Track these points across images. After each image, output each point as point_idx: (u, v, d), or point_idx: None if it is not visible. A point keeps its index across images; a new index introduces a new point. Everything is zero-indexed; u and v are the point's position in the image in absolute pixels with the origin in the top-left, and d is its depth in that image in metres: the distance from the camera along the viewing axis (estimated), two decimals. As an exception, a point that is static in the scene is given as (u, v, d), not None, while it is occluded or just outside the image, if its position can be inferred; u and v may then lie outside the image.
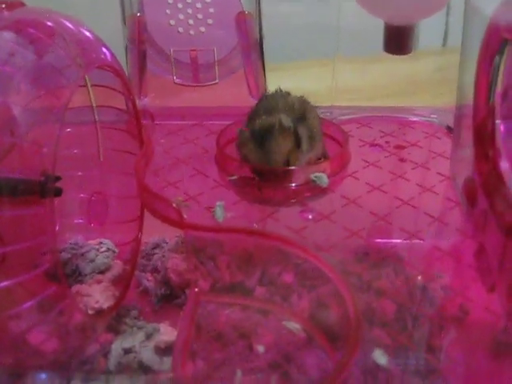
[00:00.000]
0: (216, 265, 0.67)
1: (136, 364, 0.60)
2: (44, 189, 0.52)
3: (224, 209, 0.73)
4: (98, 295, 0.67)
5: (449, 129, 0.94)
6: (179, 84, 0.99)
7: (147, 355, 0.60)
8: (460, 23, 0.76)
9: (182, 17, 0.95)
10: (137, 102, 0.74)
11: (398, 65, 0.97)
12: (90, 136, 0.75)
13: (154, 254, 0.73)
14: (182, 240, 0.73)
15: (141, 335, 0.63)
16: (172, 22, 0.95)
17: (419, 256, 0.71)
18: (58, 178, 0.59)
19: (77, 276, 0.71)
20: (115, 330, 0.64)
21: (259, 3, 0.95)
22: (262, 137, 0.74)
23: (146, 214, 0.71)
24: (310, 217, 0.76)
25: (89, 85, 0.72)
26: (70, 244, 0.75)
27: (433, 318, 0.61)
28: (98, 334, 0.62)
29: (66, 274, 0.68)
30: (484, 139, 0.63)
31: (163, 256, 0.72)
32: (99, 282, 0.70)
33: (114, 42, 0.70)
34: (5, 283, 0.49)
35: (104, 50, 0.65)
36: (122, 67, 0.69)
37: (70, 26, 0.62)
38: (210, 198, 0.78)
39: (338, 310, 0.60)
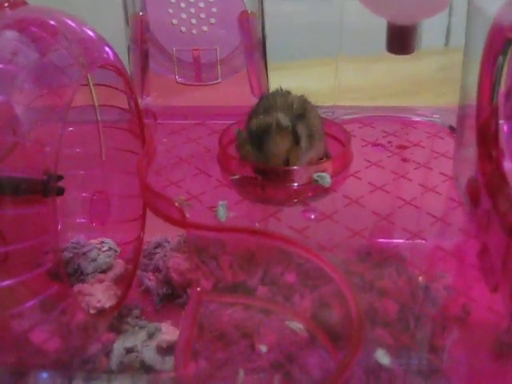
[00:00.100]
0: (218, 264, 0.67)
1: (138, 363, 0.60)
2: (46, 188, 0.52)
3: (226, 208, 0.73)
4: (99, 294, 0.67)
5: (451, 129, 0.94)
6: (181, 83, 0.99)
7: (149, 355, 0.60)
8: (462, 23, 0.76)
9: (184, 16, 0.94)
10: (139, 101, 0.74)
11: (401, 64, 0.97)
12: (92, 135, 0.75)
13: (156, 253, 0.74)
14: (184, 239, 0.73)
15: (143, 335, 0.63)
16: (174, 21, 0.95)
17: (422, 256, 0.71)
18: (60, 177, 0.59)
19: (79, 275, 0.71)
20: (117, 329, 0.64)
21: (262, 2, 0.95)
22: (259, 137, 0.74)
23: (148, 213, 0.71)
24: (313, 216, 0.76)
25: (91, 84, 0.72)
26: (71, 243, 0.75)
27: (435, 318, 0.61)
28: (99, 334, 0.62)
29: (67, 274, 0.68)
30: (487, 139, 0.63)
31: (165, 255, 0.72)
32: (101, 281, 0.70)
33: (117, 42, 0.70)
34: (7, 282, 0.49)
35: (107, 49, 0.65)
36: (124, 66, 0.69)
37: (72, 24, 0.62)
38: (213, 197, 0.78)
39: (341, 310, 0.60)
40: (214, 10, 0.94)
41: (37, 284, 0.53)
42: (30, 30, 0.57)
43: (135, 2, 0.95)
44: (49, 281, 0.54)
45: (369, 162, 0.87)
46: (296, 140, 0.75)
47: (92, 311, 0.65)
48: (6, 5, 0.64)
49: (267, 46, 0.98)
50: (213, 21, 0.95)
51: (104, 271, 0.72)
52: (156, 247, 0.74)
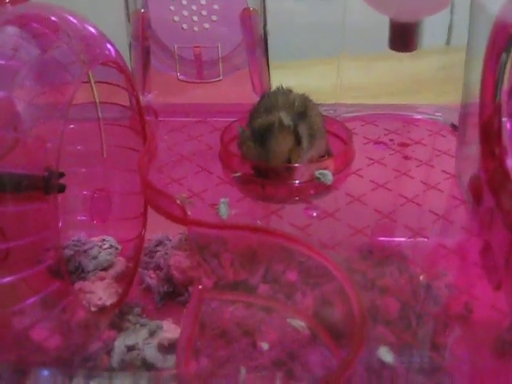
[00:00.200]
0: (219, 262, 0.67)
1: (139, 361, 0.60)
2: (48, 185, 0.52)
3: (228, 206, 0.73)
4: (100, 292, 0.67)
5: (453, 127, 0.94)
6: (183, 81, 0.98)
7: (150, 352, 0.60)
8: (464, 21, 0.76)
9: (186, 13, 0.94)
10: (140, 98, 0.73)
11: (402, 63, 0.97)
12: (93, 133, 0.75)
13: (157, 251, 0.74)
14: (185, 237, 0.73)
15: (144, 332, 0.63)
16: (176, 19, 0.95)
17: (424, 254, 0.70)
18: (61, 175, 0.59)
19: (80, 273, 0.71)
20: (118, 327, 0.64)
21: (264, 0, 0.95)
22: (262, 136, 0.74)
23: (149, 210, 0.71)
24: (315, 214, 0.76)
25: (92, 81, 0.71)
26: (72, 241, 0.75)
27: (437, 316, 0.61)
28: (100, 332, 0.62)
29: (68, 271, 0.68)
30: (490, 137, 0.63)
31: (166, 253, 0.72)
32: (102, 278, 0.70)
33: (118, 39, 0.70)
34: (8, 279, 0.49)
35: (108, 45, 0.65)
36: (125, 63, 0.69)
37: (74, 21, 0.62)
38: (214, 194, 0.77)
39: (343, 308, 0.60)
40: (215, 7, 0.94)
41: (38, 281, 0.53)
42: (31, 26, 0.57)
43: (137, -1, 0.95)
44: (50, 278, 0.54)
45: (371, 159, 0.87)
46: (298, 140, 0.74)
47: (93, 309, 0.65)
48: (8, 0, 0.64)
49: (269, 43, 0.98)
50: (214, 18, 0.95)
51: (105, 269, 0.72)
52: (157, 245, 0.74)
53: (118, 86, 0.71)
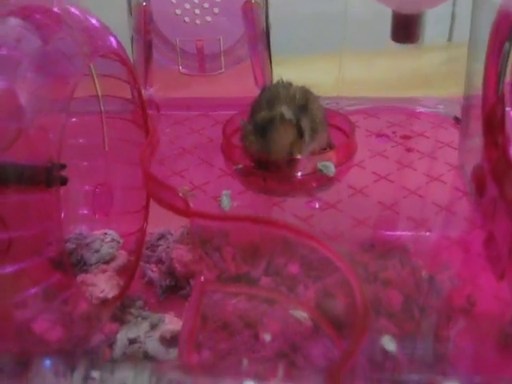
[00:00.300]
0: (221, 256, 0.67)
1: (141, 354, 0.60)
2: (50, 177, 0.52)
3: (230, 198, 0.73)
4: (103, 284, 0.67)
5: (456, 119, 0.94)
6: (185, 74, 0.98)
7: (152, 345, 0.60)
8: (466, 16, 0.76)
9: (188, 6, 0.94)
10: (142, 92, 0.73)
11: (405, 59, 0.97)
12: (95, 126, 0.75)
13: (159, 245, 0.74)
14: (187, 231, 0.73)
15: (146, 325, 0.63)
16: (178, 12, 0.94)
17: (426, 247, 0.70)
18: (63, 166, 0.59)
19: (82, 266, 0.71)
20: (120, 320, 0.64)
21: (266, -8, 0.95)
22: (263, 129, 0.74)
23: (151, 205, 0.71)
24: (317, 206, 0.76)
25: (94, 74, 0.71)
26: (74, 234, 0.75)
27: (440, 308, 0.61)
28: (102, 324, 0.62)
29: (71, 263, 0.68)
30: (493, 126, 0.63)
31: (168, 247, 0.72)
32: (104, 271, 0.70)
33: (120, 32, 0.69)
34: (10, 269, 0.49)
35: (110, 38, 0.65)
36: (128, 56, 0.69)
37: (76, 13, 0.62)
38: (216, 187, 0.77)
39: (345, 300, 0.59)
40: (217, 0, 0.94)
41: (40, 274, 0.53)
42: (34, 18, 0.57)
43: (139, -8, 0.95)
44: (52, 271, 0.54)
45: (373, 152, 0.86)
46: (300, 133, 0.74)
47: (95, 301, 0.65)
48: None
49: (271, 38, 0.98)
50: (216, 11, 0.94)
51: (107, 262, 0.72)
52: (159, 239, 0.74)
53: (119, 78, 0.71)
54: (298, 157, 0.75)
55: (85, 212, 0.78)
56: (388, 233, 0.72)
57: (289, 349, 0.57)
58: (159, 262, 0.71)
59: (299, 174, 0.76)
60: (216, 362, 0.56)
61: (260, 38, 0.96)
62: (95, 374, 0.44)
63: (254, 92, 0.85)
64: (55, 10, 0.59)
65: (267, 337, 0.58)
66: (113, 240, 0.75)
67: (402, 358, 0.55)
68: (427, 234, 0.71)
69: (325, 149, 0.81)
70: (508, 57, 0.61)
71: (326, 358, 0.56)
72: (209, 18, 0.95)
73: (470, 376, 0.55)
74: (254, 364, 0.56)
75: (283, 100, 0.77)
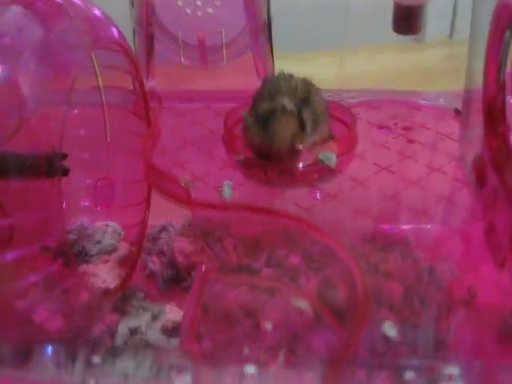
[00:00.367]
0: (223, 247, 0.67)
1: (143, 344, 0.60)
2: (51, 167, 0.52)
3: (232, 188, 0.73)
4: (104, 275, 0.67)
5: (456, 112, 0.94)
6: (187, 66, 0.98)
7: (154, 336, 0.60)
8: (467, 12, 0.76)
9: (190, -2, 0.94)
10: (144, 83, 0.73)
11: (406, 54, 0.97)
12: (96, 117, 0.75)
13: (161, 237, 0.73)
14: (188, 223, 0.73)
15: (147, 316, 0.63)
16: (180, 3, 0.95)
17: (427, 239, 0.70)
18: (65, 156, 0.59)
19: (83, 257, 0.71)
20: (121, 311, 0.64)
21: (268, -16, 0.94)
22: (266, 120, 0.74)
23: (153, 198, 0.71)
24: (318, 196, 0.76)
25: (96, 65, 0.71)
26: (76, 226, 0.75)
27: (440, 300, 0.61)
28: (104, 314, 0.62)
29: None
30: (494, 115, 0.63)
31: (169, 239, 0.72)
32: (105, 262, 0.70)
33: (122, 25, 0.69)
34: (11, 256, 0.49)
35: (113, 28, 0.65)
36: (130, 46, 0.69)
37: (78, 2, 0.62)
38: (217, 178, 0.77)
39: (346, 291, 0.60)
40: (219, -9, 0.94)
41: (41, 263, 0.53)
42: (36, 6, 0.56)
43: (141, -15, 0.95)
44: (53, 261, 0.54)
45: (374, 143, 0.86)
46: (301, 125, 0.74)
47: (97, 292, 0.65)
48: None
49: (272, 34, 0.98)
50: (218, 3, 0.94)
51: (108, 253, 0.72)
52: (161, 231, 0.74)
53: (121, 69, 0.71)
54: (300, 147, 0.75)
55: (86, 204, 0.78)
56: (389, 226, 0.72)
57: (290, 338, 0.57)
58: (161, 254, 0.71)
59: (300, 165, 0.76)
60: (217, 350, 0.56)
61: (262, 30, 0.96)
62: (96, 358, 0.44)
63: (256, 84, 0.85)
64: (58, -1, 0.59)
65: (268, 326, 0.58)
66: (114, 231, 0.75)
67: (402, 348, 0.55)
68: (428, 227, 0.71)
69: (326, 141, 0.81)
70: (509, 45, 0.61)
71: (327, 348, 0.56)
72: (210, 10, 0.95)
73: (470, 361, 0.55)
74: (255, 352, 0.56)
75: (285, 92, 0.77)
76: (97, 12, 0.64)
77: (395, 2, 0.85)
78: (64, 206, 0.55)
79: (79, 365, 0.50)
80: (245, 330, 0.59)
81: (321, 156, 0.76)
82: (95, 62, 0.71)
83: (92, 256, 0.71)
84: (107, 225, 0.76)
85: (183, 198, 0.61)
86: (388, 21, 0.88)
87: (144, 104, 0.73)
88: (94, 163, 0.76)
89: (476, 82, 0.70)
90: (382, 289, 0.61)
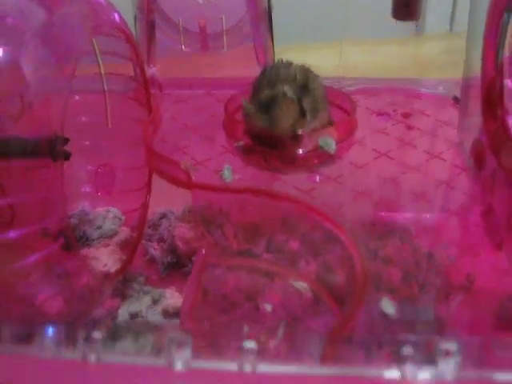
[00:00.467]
0: (223, 233, 0.67)
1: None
2: (53, 151, 0.52)
3: (232, 171, 0.73)
4: (105, 258, 0.67)
5: (455, 99, 0.94)
6: (187, 53, 0.99)
7: (154, 319, 0.61)
8: (467, 2, 0.76)
9: (190, -15, 0.95)
10: (145, 70, 0.74)
11: (405, 47, 0.97)
12: (97, 104, 0.75)
13: (161, 224, 0.74)
14: (189, 209, 0.73)
15: (147, 300, 0.64)
16: (181, -10, 0.95)
17: (426, 224, 0.70)
18: (66, 140, 0.59)
19: (84, 241, 0.72)
20: (122, 295, 0.64)
21: (268, -29, 0.95)
22: (267, 106, 0.74)
23: (154, 186, 0.72)
24: (318, 179, 0.76)
25: (98, 52, 0.71)
26: (77, 211, 0.75)
27: (439, 285, 0.61)
28: (104, 298, 0.62)
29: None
30: (492, 99, 0.63)
31: (170, 226, 0.72)
32: (106, 246, 0.70)
33: (123, 11, 0.69)
34: (13, 234, 0.49)
35: (114, 13, 0.65)
36: (131, 32, 0.69)
37: (81, -14, 0.62)
38: (218, 163, 0.77)
39: (345, 274, 0.60)
40: (219, -22, 0.94)
41: (42, 246, 0.53)
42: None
43: (142, -29, 0.95)
44: (54, 243, 0.54)
45: (374, 129, 0.87)
46: (302, 113, 0.75)
47: (98, 275, 0.65)
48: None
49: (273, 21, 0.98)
50: (219, -10, 0.95)
51: (109, 237, 0.73)
52: (161, 218, 0.75)
53: (122, 56, 0.71)
54: (300, 132, 0.75)
55: (87, 190, 0.78)
56: (388, 213, 0.72)
57: (289, 319, 0.57)
58: (161, 240, 0.72)
59: (300, 151, 0.76)
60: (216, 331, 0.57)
61: (262, 18, 0.96)
62: (97, 334, 0.44)
63: (256, 71, 0.85)
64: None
65: (268, 307, 0.58)
66: (115, 217, 0.75)
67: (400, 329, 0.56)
68: (427, 213, 0.71)
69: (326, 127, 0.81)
70: (506, 29, 0.61)
71: (326, 329, 0.56)
72: (211, -3, 0.95)
73: (468, 337, 0.55)
74: (254, 332, 0.56)
75: (284, 80, 0.77)
76: (99, -3, 0.64)
77: (394, -12, 0.86)
78: (65, 190, 0.55)
79: (80, 341, 0.50)
80: (244, 313, 0.59)
81: (320, 142, 0.76)
82: (96, 47, 0.71)
83: (93, 240, 0.72)
84: (108, 210, 0.76)
85: (183, 181, 0.61)
86: (388, 13, 0.88)
87: (145, 90, 0.73)
88: (95, 149, 0.77)
89: (474, 70, 0.71)
90: (381, 273, 0.62)
